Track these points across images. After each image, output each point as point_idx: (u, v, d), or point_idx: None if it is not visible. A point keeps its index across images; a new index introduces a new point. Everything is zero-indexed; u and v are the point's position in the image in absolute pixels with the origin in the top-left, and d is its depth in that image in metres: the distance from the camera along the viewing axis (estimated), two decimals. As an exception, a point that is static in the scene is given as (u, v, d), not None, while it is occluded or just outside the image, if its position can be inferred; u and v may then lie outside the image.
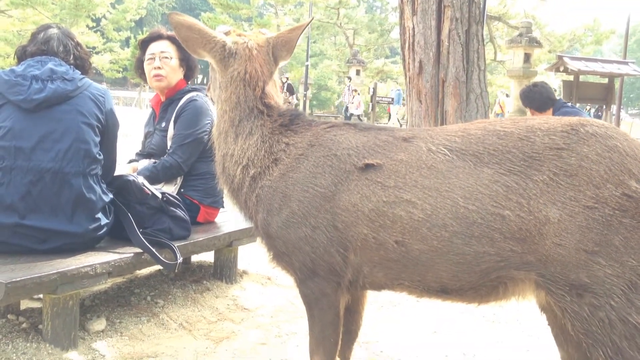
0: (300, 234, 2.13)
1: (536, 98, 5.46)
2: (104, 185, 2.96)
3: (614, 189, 1.76)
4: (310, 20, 2.50)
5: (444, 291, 2.05)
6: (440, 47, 6.67)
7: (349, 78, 28.67)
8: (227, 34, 2.47)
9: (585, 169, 1.80)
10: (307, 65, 26.07)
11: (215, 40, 2.37)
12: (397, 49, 35.01)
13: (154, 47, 3.65)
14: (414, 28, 6.80)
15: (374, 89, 26.14)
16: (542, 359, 3.12)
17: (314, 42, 39.11)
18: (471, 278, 1.95)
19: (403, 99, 25.84)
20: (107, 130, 2.94)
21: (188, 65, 3.76)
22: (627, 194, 1.75)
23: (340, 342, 2.29)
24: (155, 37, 3.70)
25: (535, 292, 1.94)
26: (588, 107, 24.22)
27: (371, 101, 25.48)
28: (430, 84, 6.74)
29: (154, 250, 2.92)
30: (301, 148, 2.23)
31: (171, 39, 3.66)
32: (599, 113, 25.47)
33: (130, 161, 3.78)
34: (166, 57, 3.63)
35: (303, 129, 2.31)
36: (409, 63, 6.99)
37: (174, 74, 3.67)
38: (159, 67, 3.62)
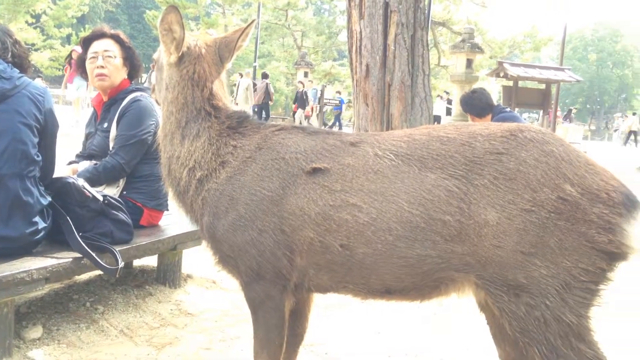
0: (247, 237, 2.11)
1: (475, 104, 5.65)
2: (42, 188, 2.86)
3: (550, 192, 1.83)
4: (252, 22, 2.48)
5: (388, 292, 2.09)
6: (386, 51, 6.76)
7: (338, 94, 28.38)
8: None
9: (524, 173, 1.86)
10: (255, 66, 25.94)
11: (183, 37, 2.31)
12: (344, 52, 35.31)
13: (97, 46, 3.55)
14: (361, 32, 6.87)
15: (322, 92, 26.24)
16: (481, 356, 3.21)
17: (262, 43, 38.97)
18: (414, 279, 1.99)
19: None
20: (46, 130, 2.84)
21: (132, 64, 3.67)
22: (562, 198, 1.82)
23: (285, 345, 2.29)
24: (99, 35, 3.60)
25: (474, 291, 2.00)
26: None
27: (319, 103, 25.55)
28: (377, 87, 6.82)
29: (93, 254, 2.83)
30: (249, 151, 2.22)
31: (114, 38, 3.57)
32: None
33: (70, 163, 3.65)
34: (109, 56, 3.53)
35: (251, 131, 2.30)
36: (356, 66, 7.05)
37: (117, 73, 3.58)
38: (102, 66, 3.52)
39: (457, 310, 3.88)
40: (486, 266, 1.87)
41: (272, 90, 22.94)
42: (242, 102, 20.38)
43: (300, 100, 23.89)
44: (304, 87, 24.40)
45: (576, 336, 1.82)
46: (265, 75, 23.26)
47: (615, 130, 34.82)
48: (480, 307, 2.26)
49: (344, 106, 26.89)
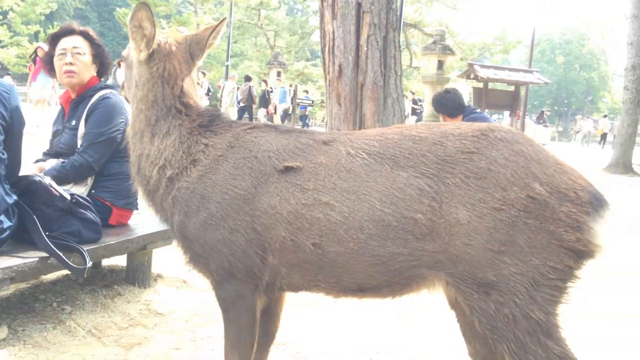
0: (218, 236, 2.10)
1: (448, 104, 5.71)
2: (7, 186, 2.79)
3: (520, 191, 1.85)
4: (223, 20, 2.46)
5: (360, 290, 2.09)
6: (359, 51, 6.78)
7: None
8: None
9: (494, 172, 1.88)
10: (227, 65, 25.81)
11: (153, 34, 2.28)
12: (317, 52, 35.35)
13: (66, 42, 3.49)
14: (334, 32, 6.87)
15: (295, 91, 26.22)
16: (451, 354, 3.24)
17: (235, 42, 38.71)
18: (386, 277, 2.00)
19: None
20: (12, 128, 2.77)
21: (101, 62, 3.62)
22: (532, 196, 1.84)
23: (257, 345, 2.28)
24: (67, 31, 3.53)
25: (445, 289, 2.01)
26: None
27: (291, 103, 25.51)
28: (350, 87, 6.84)
29: (61, 254, 2.78)
30: (221, 149, 2.20)
31: (84, 35, 3.51)
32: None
33: (37, 161, 3.58)
34: (79, 53, 3.47)
35: (223, 129, 2.28)
36: (329, 66, 7.05)
37: (86, 70, 3.52)
38: (71, 63, 3.46)
39: (428, 307, 3.91)
40: (457, 264, 1.88)
41: (255, 93, 23.15)
42: (227, 105, 20.51)
43: (263, 99, 23.92)
44: (267, 85, 24.38)
45: (544, 333, 1.84)
46: (248, 78, 23.57)
47: (578, 132, 35.65)
48: (451, 305, 2.28)
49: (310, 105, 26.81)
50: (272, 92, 24.03)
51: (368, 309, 3.82)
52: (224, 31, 2.47)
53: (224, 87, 21.65)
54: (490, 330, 1.89)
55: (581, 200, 1.85)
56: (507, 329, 1.85)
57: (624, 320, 3.97)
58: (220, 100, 21.38)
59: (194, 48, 2.39)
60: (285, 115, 25.16)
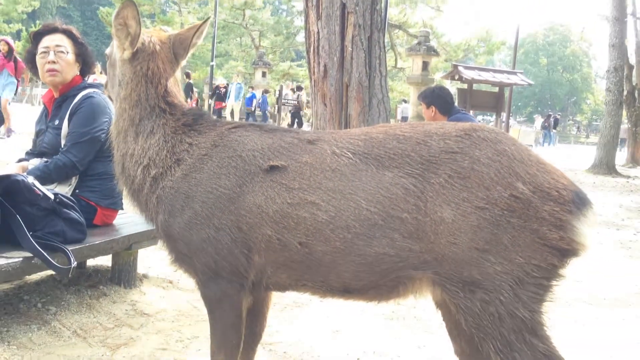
0: (203, 236, 2.09)
1: (445, 99, 5.67)
2: (-11, 186, 2.76)
3: (503, 190, 1.87)
4: (207, 20, 2.45)
5: (347, 291, 2.09)
6: (344, 52, 6.79)
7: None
8: None
9: (477, 171, 1.90)
10: (212, 65, 25.63)
11: (138, 33, 2.27)
12: (302, 52, 35.32)
13: (48, 41, 3.46)
14: (318, 32, 6.88)
15: (280, 91, 26.15)
16: (437, 353, 3.26)
17: (220, 42, 38.57)
18: (372, 278, 2.01)
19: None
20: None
21: (84, 60, 3.59)
22: (515, 195, 1.86)
23: (243, 344, 2.28)
24: (50, 30, 3.50)
25: (431, 289, 2.02)
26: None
27: (277, 103, 25.44)
28: (335, 87, 6.85)
29: (45, 254, 2.75)
30: (205, 148, 2.20)
31: (67, 33, 3.48)
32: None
33: (20, 160, 3.54)
34: (61, 52, 3.44)
35: (207, 129, 2.27)
36: (314, 67, 7.05)
37: (69, 69, 3.49)
38: (54, 62, 3.43)
39: (414, 307, 3.94)
40: (442, 263, 1.90)
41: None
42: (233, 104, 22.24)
43: (215, 94, 23.93)
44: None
45: (529, 331, 1.86)
46: (299, 88, 24.58)
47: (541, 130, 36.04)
48: (437, 305, 2.29)
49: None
50: (223, 89, 23.78)
51: (355, 310, 3.83)
52: (207, 31, 2.47)
53: (230, 88, 22.81)
54: (476, 328, 1.90)
55: (564, 199, 1.87)
56: (493, 327, 1.87)
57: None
58: (227, 100, 22.79)
59: (177, 48, 2.39)
60: (249, 115, 24.98)
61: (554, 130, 35.66)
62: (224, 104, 23.39)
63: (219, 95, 23.68)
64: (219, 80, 24.88)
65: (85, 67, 3.62)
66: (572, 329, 3.82)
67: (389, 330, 3.62)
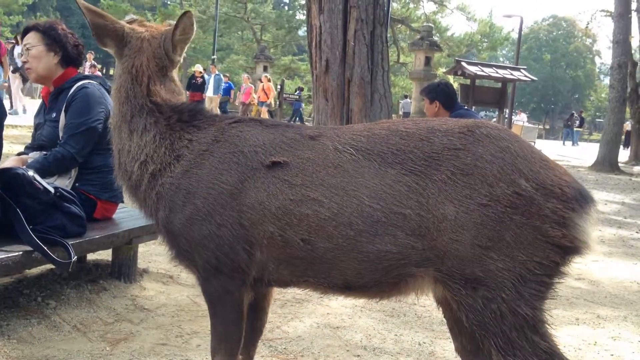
0: (205, 232, 2.08)
1: (451, 95, 5.61)
2: (-11, 179, 2.75)
3: (506, 187, 1.85)
4: (185, 13, 2.26)
5: (348, 288, 2.08)
6: (346, 46, 6.77)
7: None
8: (130, 23, 2.36)
9: (480, 168, 1.88)
10: (213, 59, 25.62)
11: (115, 27, 2.26)
12: (304, 47, 35.24)
13: (23, 42, 3.53)
14: (320, 27, 6.85)
15: (281, 86, 26.15)
16: (438, 351, 3.25)
17: (221, 35, 38.47)
18: (374, 275, 2.00)
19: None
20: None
21: (63, 48, 3.51)
22: (518, 192, 1.85)
23: (244, 340, 2.27)
24: (25, 31, 3.57)
25: (433, 286, 2.01)
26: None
27: (278, 98, 25.43)
28: (337, 82, 6.83)
29: (45, 248, 2.74)
30: (205, 144, 2.17)
31: (35, 29, 3.50)
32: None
33: (20, 154, 3.54)
34: (27, 49, 3.49)
35: (206, 124, 2.25)
36: (316, 61, 7.04)
37: (39, 62, 3.47)
38: (25, 61, 3.51)
39: (415, 304, 3.93)
40: (445, 260, 1.88)
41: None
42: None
43: (191, 85, 21.28)
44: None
45: (531, 328, 1.85)
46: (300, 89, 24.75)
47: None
48: (438, 302, 2.28)
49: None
50: (200, 78, 20.85)
51: (355, 306, 3.83)
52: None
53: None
54: (478, 325, 1.89)
55: (567, 197, 1.85)
56: (495, 325, 1.86)
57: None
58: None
59: (168, 44, 2.31)
60: (224, 107, 22.75)
61: (579, 129, 34.67)
62: (203, 95, 20.62)
63: (195, 85, 20.69)
64: (196, 67, 21.98)
65: (68, 56, 3.54)
66: (573, 328, 3.81)
67: (389, 327, 3.61)
